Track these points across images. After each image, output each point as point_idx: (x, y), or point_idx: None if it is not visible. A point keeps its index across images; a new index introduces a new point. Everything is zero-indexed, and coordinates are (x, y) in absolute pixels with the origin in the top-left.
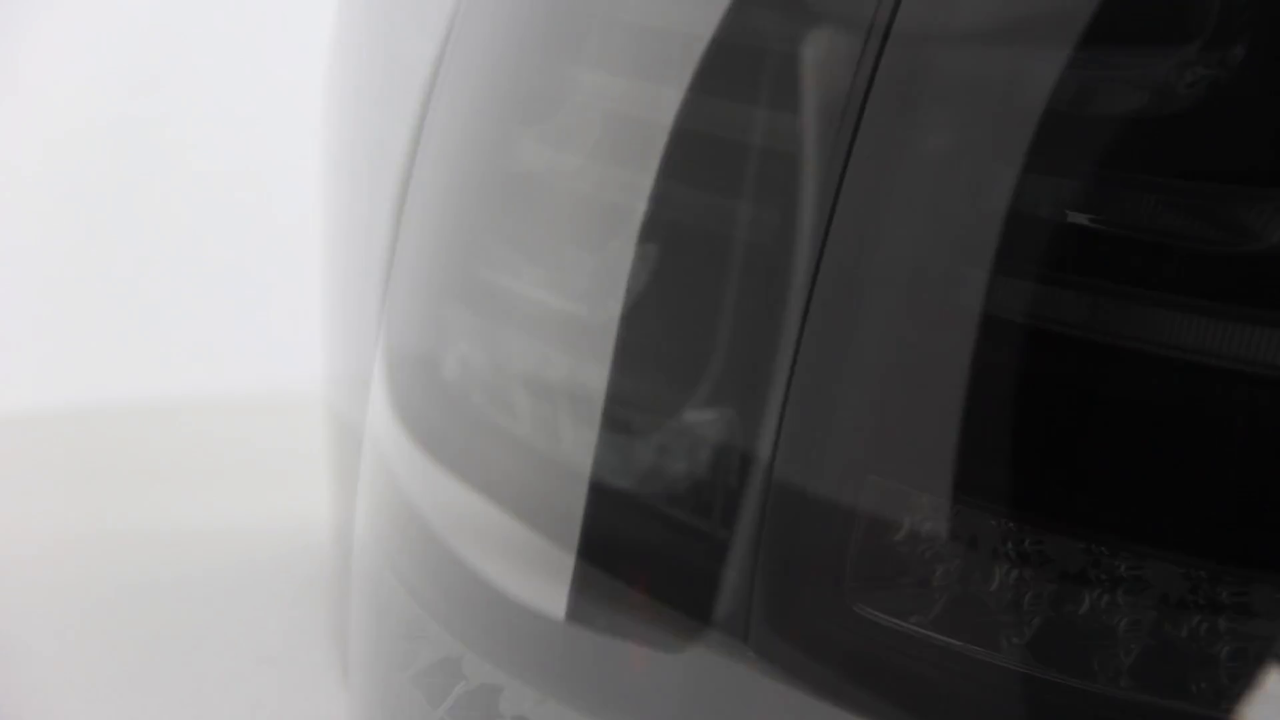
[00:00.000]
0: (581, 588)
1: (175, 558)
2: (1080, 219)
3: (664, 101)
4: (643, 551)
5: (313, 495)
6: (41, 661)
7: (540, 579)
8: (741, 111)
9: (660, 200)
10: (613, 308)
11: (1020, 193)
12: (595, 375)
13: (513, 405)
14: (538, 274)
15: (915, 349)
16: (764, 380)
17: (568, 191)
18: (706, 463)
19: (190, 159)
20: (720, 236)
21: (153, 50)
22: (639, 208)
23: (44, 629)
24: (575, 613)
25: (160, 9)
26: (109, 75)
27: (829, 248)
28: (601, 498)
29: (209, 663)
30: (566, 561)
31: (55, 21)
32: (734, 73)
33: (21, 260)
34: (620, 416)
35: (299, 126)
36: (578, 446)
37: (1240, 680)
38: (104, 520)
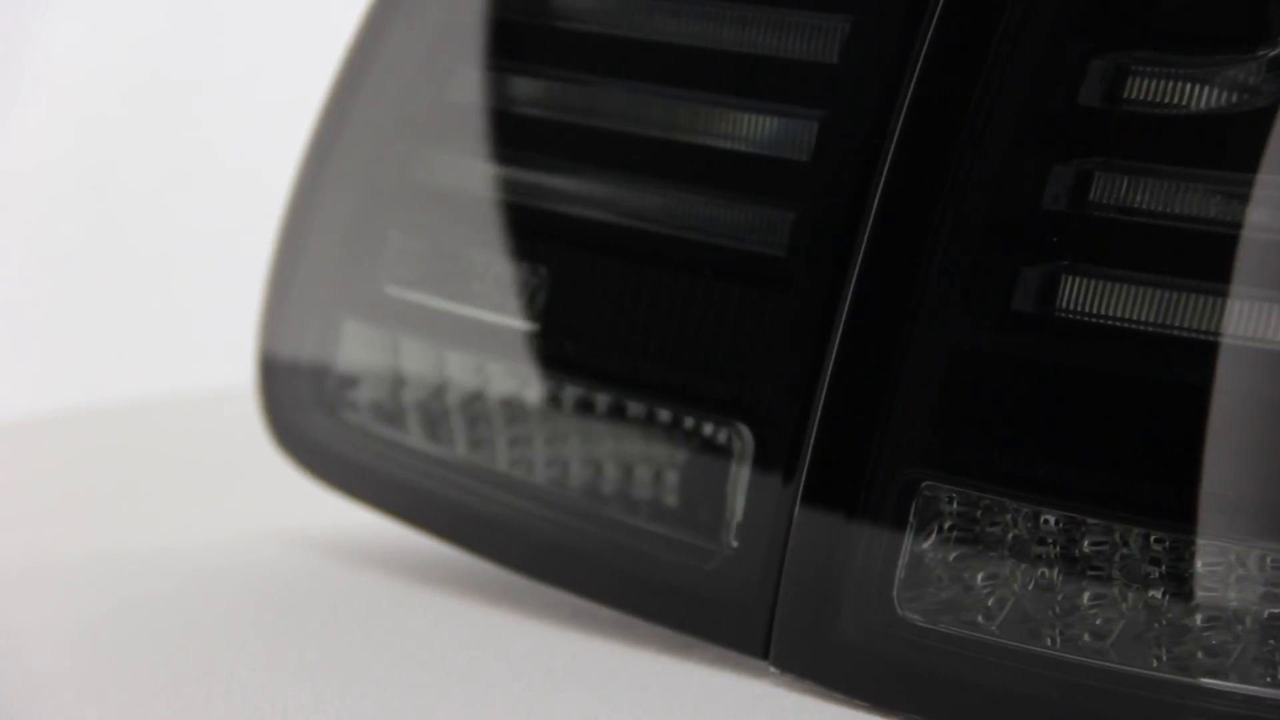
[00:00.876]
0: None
1: (181, 566)
2: (1146, 214)
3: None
4: (595, 565)
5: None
6: (44, 673)
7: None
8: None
9: (654, 213)
10: (553, 317)
11: (1080, 189)
12: (524, 384)
13: (407, 420)
14: (459, 287)
15: (958, 348)
16: (795, 389)
17: (487, 200)
18: (713, 475)
19: (192, 156)
20: (733, 248)
21: (154, 48)
22: (570, 213)
23: (47, 641)
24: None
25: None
26: (108, 75)
27: (865, 251)
28: (567, 513)
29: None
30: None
31: (52, 22)
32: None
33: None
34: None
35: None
36: (491, 458)
37: None
38: (111, 527)
